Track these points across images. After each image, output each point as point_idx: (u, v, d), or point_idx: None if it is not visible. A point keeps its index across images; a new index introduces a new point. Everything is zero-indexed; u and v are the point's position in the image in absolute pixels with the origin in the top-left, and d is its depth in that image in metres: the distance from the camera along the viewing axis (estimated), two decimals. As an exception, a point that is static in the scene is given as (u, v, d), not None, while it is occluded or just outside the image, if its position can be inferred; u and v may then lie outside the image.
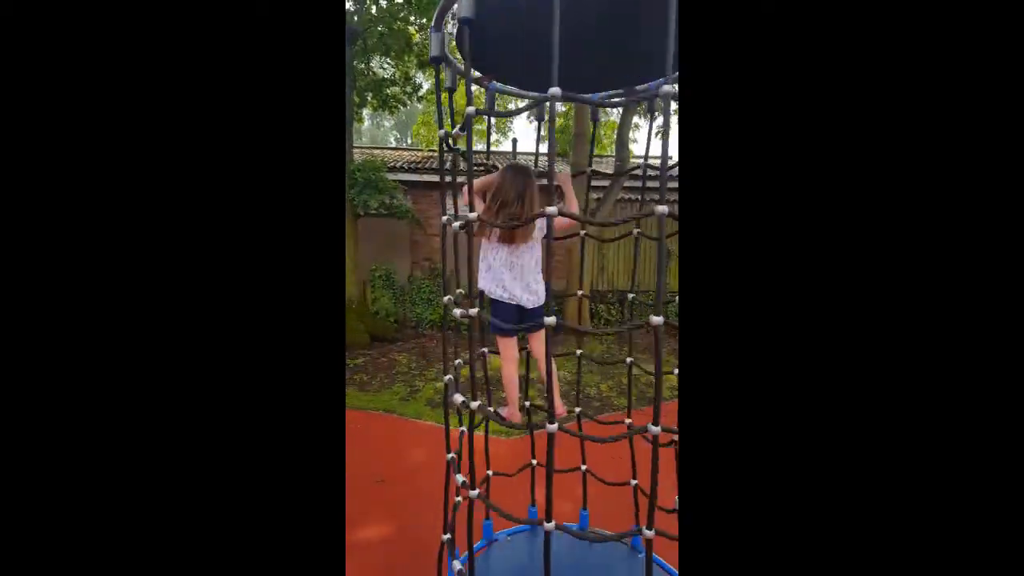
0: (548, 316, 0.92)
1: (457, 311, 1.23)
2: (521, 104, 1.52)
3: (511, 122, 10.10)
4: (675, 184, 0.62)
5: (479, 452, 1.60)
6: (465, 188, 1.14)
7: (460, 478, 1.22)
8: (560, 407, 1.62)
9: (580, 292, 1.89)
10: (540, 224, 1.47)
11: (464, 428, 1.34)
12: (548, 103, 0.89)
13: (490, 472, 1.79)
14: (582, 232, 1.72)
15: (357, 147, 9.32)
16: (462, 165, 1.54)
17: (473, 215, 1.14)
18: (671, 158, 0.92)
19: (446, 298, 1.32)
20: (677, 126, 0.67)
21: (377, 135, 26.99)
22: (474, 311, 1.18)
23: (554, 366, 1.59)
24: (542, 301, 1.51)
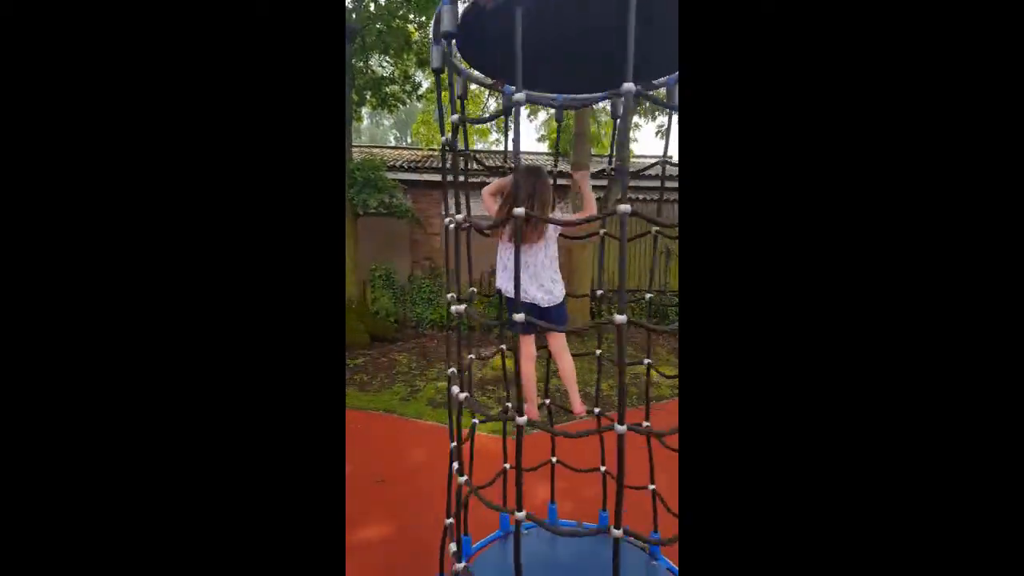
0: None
1: (453, 308, 1.24)
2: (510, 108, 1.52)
3: (510, 122, 10.02)
4: (651, 184, 0.62)
5: (486, 449, 1.60)
6: (484, 190, 1.14)
7: (463, 478, 1.22)
8: (579, 406, 1.62)
9: (600, 292, 1.87)
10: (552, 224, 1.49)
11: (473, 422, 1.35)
12: (513, 107, 0.91)
13: (507, 466, 1.81)
14: (601, 231, 1.71)
15: (356, 146, 9.31)
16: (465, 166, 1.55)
17: (460, 217, 1.15)
18: (656, 157, 0.93)
19: (449, 295, 1.33)
20: (677, 126, 0.67)
21: (376, 134, 26.97)
22: (461, 307, 1.20)
23: (572, 365, 1.59)
24: (558, 300, 1.52)
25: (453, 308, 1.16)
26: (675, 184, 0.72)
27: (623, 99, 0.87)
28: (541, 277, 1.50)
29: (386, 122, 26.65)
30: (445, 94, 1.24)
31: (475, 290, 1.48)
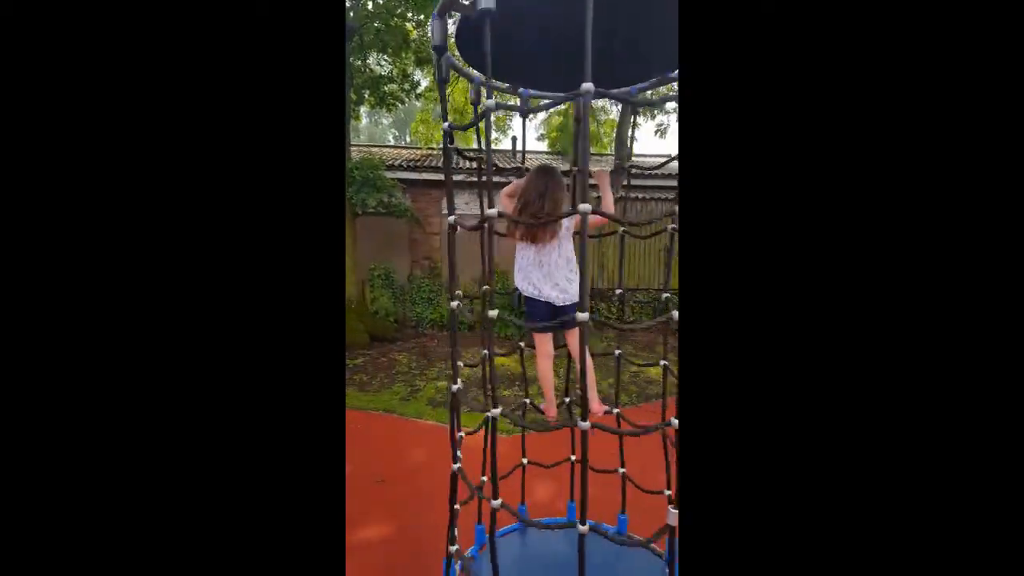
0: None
1: (453, 303, 1.25)
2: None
3: (509, 121, 10.10)
4: (654, 183, 0.62)
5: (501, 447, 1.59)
6: (501, 191, 1.15)
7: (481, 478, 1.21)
8: (598, 405, 1.61)
9: (619, 291, 1.86)
10: (567, 222, 1.50)
11: (470, 430, 1.34)
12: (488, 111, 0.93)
13: (525, 461, 1.82)
14: (620, 229, 1.71)
15: (355, 145, 9.29)
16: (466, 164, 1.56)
17: (452, 217, 1.15)
18: (632, 157, 0.93)
19: (451, 293, 1.34)
20: (677, 126, 0.67)
21: (375, 133, 26.94)
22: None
23: (591, 363, 1.60)
24: (574, 299, 1.52)
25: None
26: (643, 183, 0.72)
27: (582, 99, 0.87)
28: (556, 276, 1.50)
29: (385, 121, 26.62)
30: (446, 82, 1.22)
31: (487, 287, 1.47)
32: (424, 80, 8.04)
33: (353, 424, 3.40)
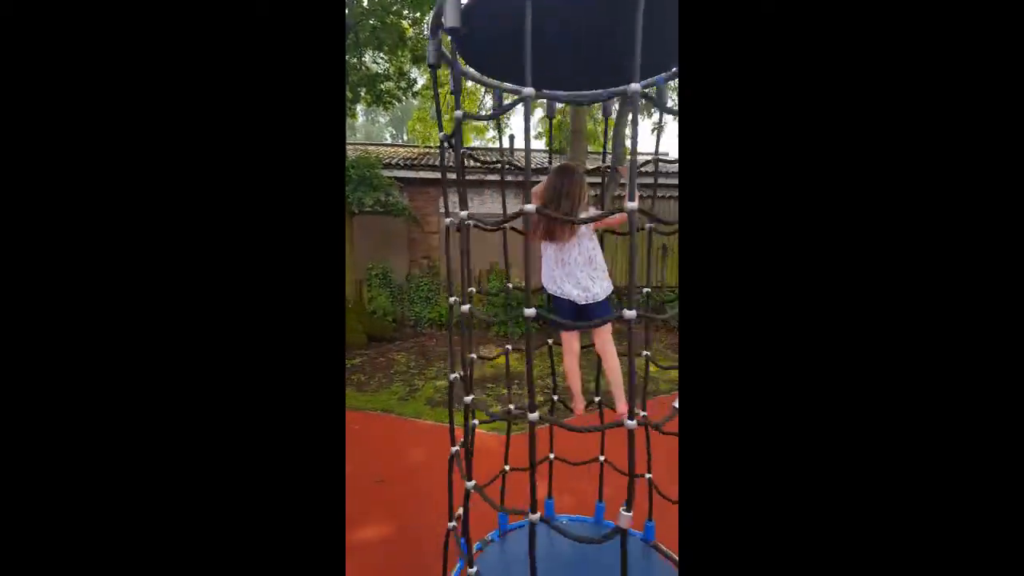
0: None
1: (452, 298, 1.27)
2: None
3: (508, 120, 10.10)
4: (647, 180, 0.63)
5: (486, 447, 1.60)
6: (532, 190, 1.16)
7: (470, 483, 1.24)
8: (623, 405, 1.60)
9: (647, 289, 1.82)
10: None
11: (475, 422, 1.37)
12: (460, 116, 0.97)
13: (551, 455, 1.86)
14: (647, 225, 1.69)
15: (351, 143, 9.26)
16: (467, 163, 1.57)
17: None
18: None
19: (450, 297, 1.36)
20: (677, 125, 0.67)
21: (372, 131, 26.84)
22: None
23: (617, 363, 1.59)
24: (598, 298, 1.51)
25: (452, 299, 1.20)
26: (669, 181, 0.72)
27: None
28: (576, 275, 1.50)
29: (381, 119, 26.54)
30: (442, 90, 1.24)
31: (473, 289, 1.48)
32: (421, 78, 8.00)
33: (352, 424, 3.40)
